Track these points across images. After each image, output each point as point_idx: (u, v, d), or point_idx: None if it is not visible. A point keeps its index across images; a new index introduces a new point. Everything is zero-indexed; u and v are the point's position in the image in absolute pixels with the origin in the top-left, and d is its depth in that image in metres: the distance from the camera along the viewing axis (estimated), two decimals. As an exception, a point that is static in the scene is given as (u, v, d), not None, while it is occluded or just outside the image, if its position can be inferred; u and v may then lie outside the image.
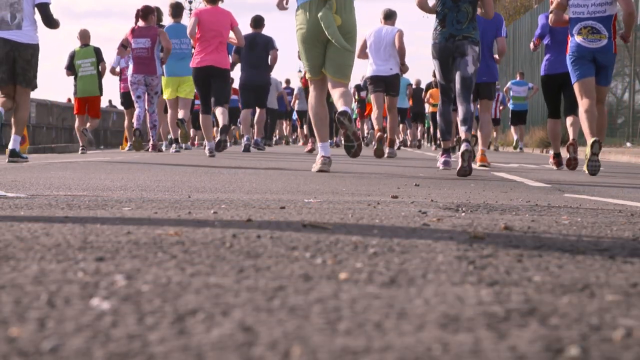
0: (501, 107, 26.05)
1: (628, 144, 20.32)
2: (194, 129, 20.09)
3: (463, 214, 3.30)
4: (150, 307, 1.38)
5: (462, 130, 7.67)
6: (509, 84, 24.57)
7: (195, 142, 21.88)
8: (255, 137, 15.03)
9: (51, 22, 8.68)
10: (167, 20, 14.18)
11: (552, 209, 3.76)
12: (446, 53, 7.82)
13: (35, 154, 14.78)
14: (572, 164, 9.79)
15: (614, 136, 20.62)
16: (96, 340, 1.17)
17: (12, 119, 8.74)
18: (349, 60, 7.36)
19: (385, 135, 12.97)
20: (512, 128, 25.15)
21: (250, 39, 13.66)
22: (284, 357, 1.11)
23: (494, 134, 27.15)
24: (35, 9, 8.55)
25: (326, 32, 7.20)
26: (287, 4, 7.61)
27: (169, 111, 13.77)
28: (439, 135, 9.28)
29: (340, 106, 7.09)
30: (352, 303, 1.45)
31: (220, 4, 11.57)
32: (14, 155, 8.51)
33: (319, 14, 7.18)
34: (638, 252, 2.25)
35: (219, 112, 11.59)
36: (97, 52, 14.98)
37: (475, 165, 9.40)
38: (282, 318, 1.32)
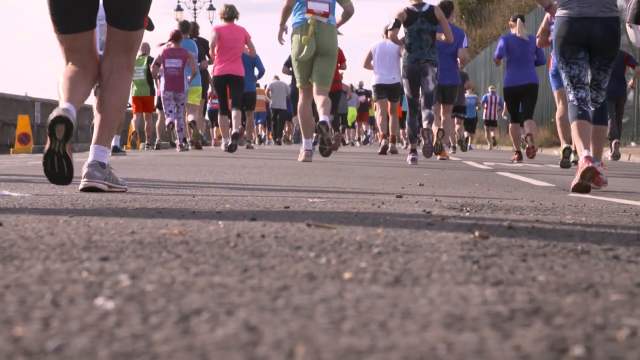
0: (499, 109, 26.10)
1: (632, 144, 20.29)
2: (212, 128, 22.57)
3: (467, 213, 3.29)
4: (155, 306, 1.39)
5: (425, 124, 10.17)
6: None
7: (214, 140, 22.83)
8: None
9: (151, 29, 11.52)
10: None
11: (556, 208, 3.76)
12: (413, 73, 10.25)
13: (40, 153, 14.78)
14: (531, 152, 12.15)
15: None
16: (100, 339, 1.17)
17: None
18: (330, 72, 9.58)
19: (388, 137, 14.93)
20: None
21: None
22: (288, 356, 1.11)
23: (492, 133, 27.60)
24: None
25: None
26: (284, 35, 9.83)
27: None
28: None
29: (320, 115, 9.37)
30: (357, 303, 1.45)
31: (235, 21, 13.85)
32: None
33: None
34: (643, 251, 2.24)
35: (233, 114, 13.98)
36: (150, 61, 17.26)
37: (437, 158, 11.78)
38: (286, 318, 1.32)
